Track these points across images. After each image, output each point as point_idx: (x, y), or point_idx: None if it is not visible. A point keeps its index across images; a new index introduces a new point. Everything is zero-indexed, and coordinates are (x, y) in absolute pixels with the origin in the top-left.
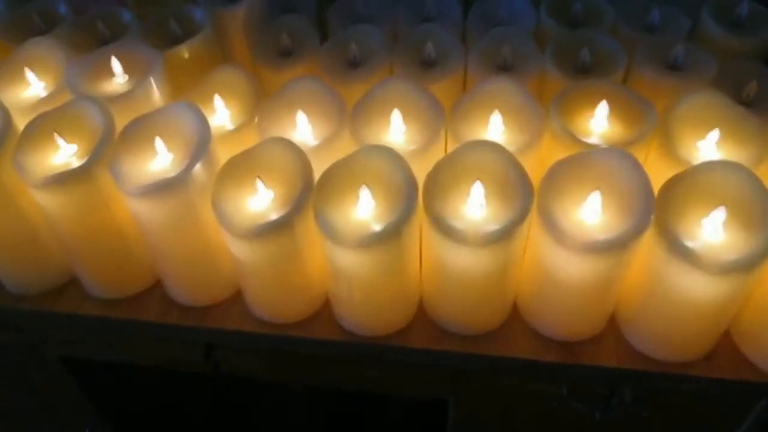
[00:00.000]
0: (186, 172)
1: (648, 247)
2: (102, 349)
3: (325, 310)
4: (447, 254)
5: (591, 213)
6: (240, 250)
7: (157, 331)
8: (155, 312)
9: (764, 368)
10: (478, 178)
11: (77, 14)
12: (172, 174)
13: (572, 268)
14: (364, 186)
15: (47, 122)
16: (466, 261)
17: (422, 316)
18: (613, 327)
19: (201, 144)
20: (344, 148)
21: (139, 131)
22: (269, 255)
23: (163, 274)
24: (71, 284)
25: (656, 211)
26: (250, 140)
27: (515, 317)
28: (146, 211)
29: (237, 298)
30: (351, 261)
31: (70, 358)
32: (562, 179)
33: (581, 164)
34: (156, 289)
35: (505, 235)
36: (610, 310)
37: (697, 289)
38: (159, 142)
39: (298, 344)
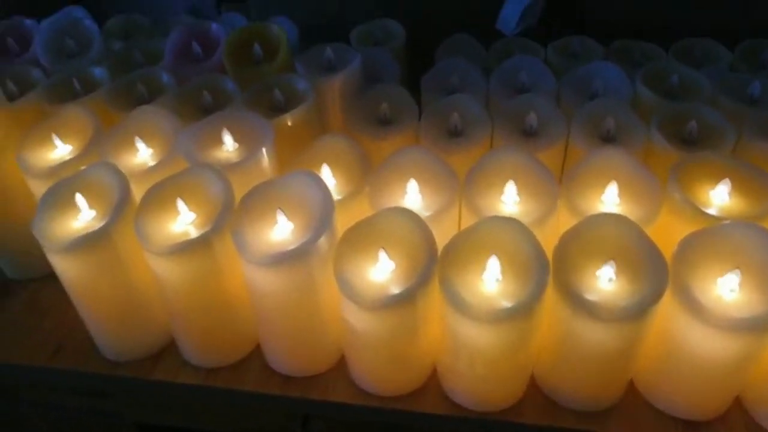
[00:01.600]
0: (310, 244)
1: None
2: (187, 416)
3: (432, 381)
4: (575, 329)
5: (728, 289)
6: (359, 321)
7: (255, 401)
8: (254, 381)
9: None
10: (607, 253)
11: (179, 83)
12: (295, 245)
13: (707, 346)
14: (494, 257)
15: (167, 189)
16: (594, 337)
17: (535, 390)
18: (739, 407)
19: (324, 215)
20: (456, 218)
21: (260, 200)
22: (389, 326)
23: (266, 342)
24: (168, 351)
25: None
26: (359, 209)
27: (633, 393)
28: (265, 281)
29: (340, 367)
30: (477, 335)
31: (149, 425)
32: (695, 253)
33: (715, 238)
34: (255, 357)
35: (639, 313)
36: (739, 390)
37: None
38: (281, 213)
39: (404, 417)
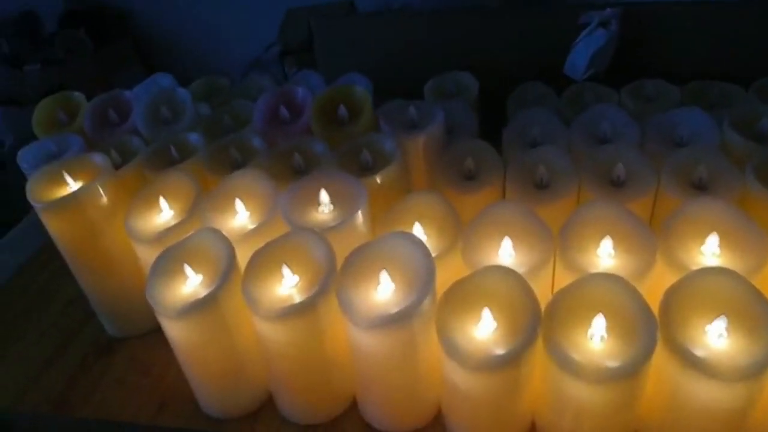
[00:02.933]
0: (415, 306)
1: None
2: None
3: None
4: (689, 388)
5: None
6: (463, 381)
7: None
8: None
9: None
10: (716, 307)
11: (268, 146)
12: (399, 306)
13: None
14: (600, 315)
15: (271, 254)
16: (709, 396)
17: None
18: None
19: (427, 276)
20: (551, 274)
21: (362, 261)
22: (491, 386)
23: (364, 400)
24: (267, 408)
25: None
26: (453, 267)
27: None
28: (369, 342)
29: (437, 424)
30: (584, 393)
31: None
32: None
33: None
34: (353, 413)
35: (758, 369)
36: None
37: None
38: (385, 274)
39: None
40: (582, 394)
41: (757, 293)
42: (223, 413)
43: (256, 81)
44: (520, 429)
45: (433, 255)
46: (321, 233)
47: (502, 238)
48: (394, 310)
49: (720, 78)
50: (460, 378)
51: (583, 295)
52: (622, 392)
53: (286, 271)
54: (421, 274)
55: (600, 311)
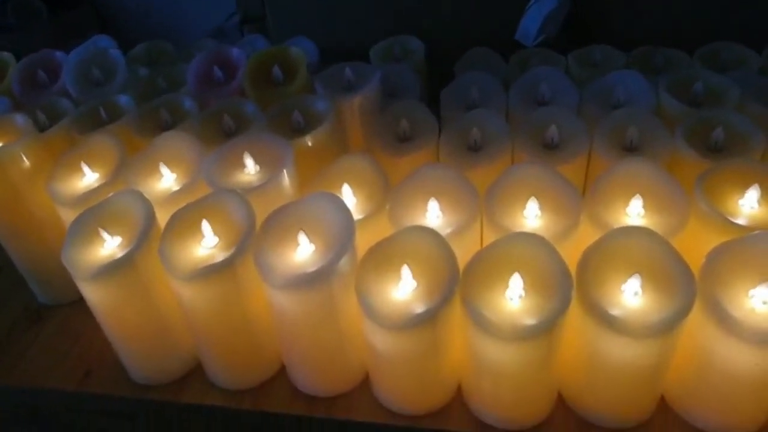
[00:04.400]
0: (331, 265)
1: None
2: None
3: (458, 400)
4: (601, 345)
5: (759, 302)
6: (381, 341)
7: (280, 422)
8: (281, 402)
9: None
10: (632, 266)
11: (202, 107)
12: (317, 266)
13: (739, 360)
14: (516, 274)
15: (190, 215)
16: (621, 353)
17: (563, 408)
18: None
19: (346, 236)
20: (478, 235)
21: (281, 222)
22: (412, 346)
23: (291, 363)
24: (195, 374)
25: None
26: (380, 228)
27: (665, 409)
28: (288, 303)
29: (365, 387)
30: (501, 353)
31: None
32: (724, 265)
33: (744, 249)
34: (281, 378)
35: (668, 327)
36: None
37: None
38: (302, 234)
39: None
40: (499, 353)
41: (673, 252)
42: (149, 379)
43: (202, 45)
44: (446, 391)
45: (360, 217)
46: (243, 194)
47: (428, 200)
48: (311, 269)
49: (669, 45)
50: (380, 339)
51: (503, 254)
52: (538, 350)
53: (206, 230)
54: (340, 235)
55: (518, 270)
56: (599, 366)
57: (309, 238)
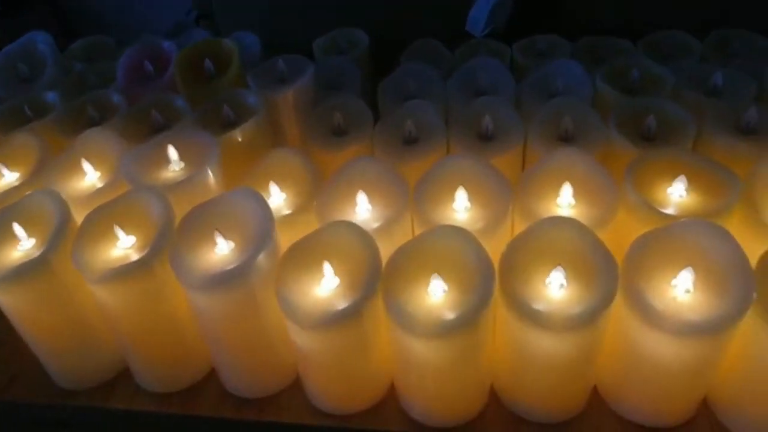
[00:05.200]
0: (248, 263)
1: (746, 327)
2: None
3: (390, 398)
4: (526, 339)
5: (681, 291)
6: (305, 341)
7: (213, 426)
8: (211, 405)
9: None
10: (556, 258)
11: (130, 103)
12: (232, 265)
13: (663, 350)
14: (435, 273)
15: (105, 214)
16: (546, 346)
17: (495, 403)
18: (707, 412)
19: (264, 232)
20: (407, 229)
21: (199, 220)
22: (336, 344)
23: (219, 365)
24: (122, 378)
25: (758, 288)
26: (308, 224)
27: (597, 402)
28: (207, 303)
29: (296, 388)
30: (424, 350)
31: None
32: (648, 255)
33: (667, 238)
34: (211, 380)
35: (589, 318)
36: (704, 393)
37: None
38: (218, 233)
39: None
40: (422, 349)
41: (597, 243)
42: (74, 384)
43: (146, 39)
44: (377, 389)
45: (287, 213)
46: (161, 191)
47: (357, 194)
48: (226, 268)
49: (618, 33)
50: (302, 338)
51: (427, 248)
52: (462, 346)
53: (119, 231)
54: (259, 232)
55: (441, 265)
56: (527, 360)
57: (227, 236)
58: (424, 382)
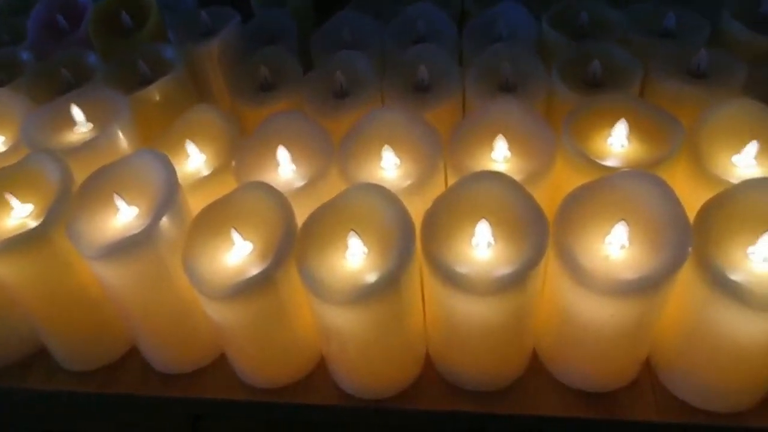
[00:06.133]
0: (150, 229)
1: (685, 283)
2: (68, 421)
3: (321, 370)
4: (452, 303)
5: (616, 248)
6: (216, 312)
7: (135, 404)
8: (133, 383)
9: None
10: (483, 215)
11: (41, 60)
12: (132, 232)
13: (597, 312)
14: (352, 231)
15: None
16: (474, 310)
17: (431, 372)
18: (649, 374)
19: (167, 195)
20: (333, 188)
21: (99, 185)
22: (250, 315)
23: (138, 340)
24: (40, 356)
25: (694, 241)
26: (228, 186)
27: (536, 368)
28: (111, 274)
29: (223, 362)
30: (342, 318)
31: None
32: (581, 210)
33: (601, 191)
34: (133, 356)
35: (518, 280)
36: (645, 355)
37: (746, 328)
38: (118, 197)
39: (292, 411)
40: (339, 316)
41: (528, 199)
42: None
43: None
44: (305, 362)
45: (206, 174)
46: (63, 155)
47: (278, 153)
48: (128, 235)
49: None
50: (213, 309)
51: (344, 209)
52: (382, 311)
53: (12, 199)
54: (162, 195)
55: (360, 226)
56: (456, 326)
57: (132, 201)
58: (347, 352)
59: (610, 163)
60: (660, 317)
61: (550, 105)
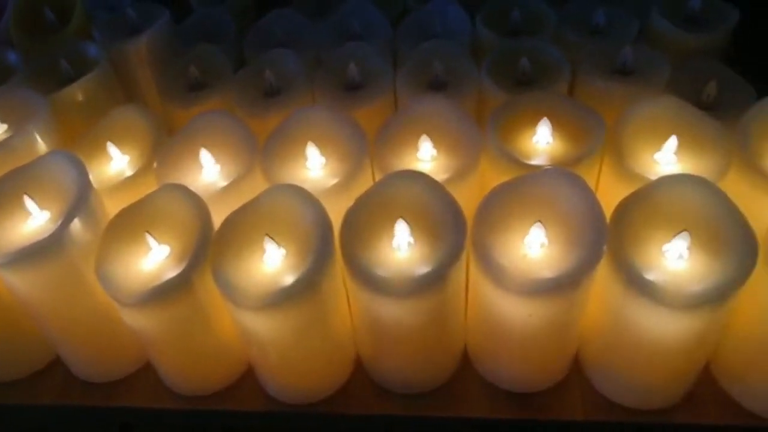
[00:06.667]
0: (59, 233)
1: (604, 281)
2: None
3: (249, 375)
4: (373, 306)
5: (535, 247)
6: (133, 319)
7: (60, 415)
8: (56, 393)
9: (750, 407)
10: (402, 215)
11: None
12: (41, 237)
13: (516, 311)
14: (266, 237)
15: None
16: (395, 312)
17: (362, 375)
18: (578, 372)
19: (78, 198)
20: (257, 188)
21: (9, 188)
22: (166, 322)
23: (58, 348)
24: None
25: (610, 239)
26: (151, 188)
27: (467, 368)
28: (21, 282)
29: (149, 368)
30: (260, 323)
31: None
32: (500, 208)
33: (520, 190)
34: (57, 365)
35: (436, 279)
36: (572, 354)
37: (662, 326)
38: (30, 200)
39: (219, 417)
40: (255, 321)
41: (448, 198)
42: None
43: None
44: (234, 367)
45: (128, 176)
46: None
47: (201, 154)
48: (36, 240)
49: None
50: (127, 316)
51: (262, 210)
52: (301, 317)
53: None
54: (74, 198)
55: (275, 226)
56: (378, 327)
57: (43, 204)
58: (269, 357)
59: (535, 161)
60: (581, 316)
61: (481, 103)
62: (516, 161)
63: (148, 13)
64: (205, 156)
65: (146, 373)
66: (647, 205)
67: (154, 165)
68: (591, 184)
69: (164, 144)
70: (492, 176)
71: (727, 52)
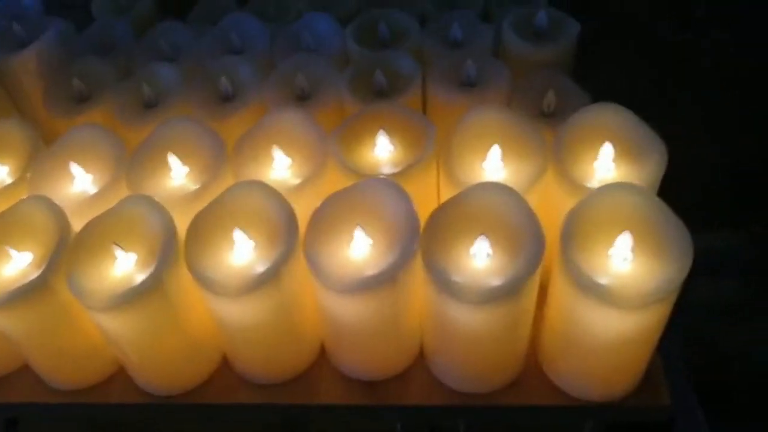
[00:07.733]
0: None
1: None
2: None
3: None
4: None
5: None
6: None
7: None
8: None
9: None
10: (236, 223)
11: None
12: None
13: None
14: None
15: None
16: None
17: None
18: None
19: None
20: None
21: None
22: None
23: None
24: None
25: (422, 242)
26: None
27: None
28: None
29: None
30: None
31: None
32: (328, 219)
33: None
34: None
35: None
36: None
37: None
38: None
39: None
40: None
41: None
42: None
43: None
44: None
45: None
46: None
47: (71, 166)
48: None
49: None
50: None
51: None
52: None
53: None
54: None
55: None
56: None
57: None
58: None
59: (384, 170)
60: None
61: (346, 114)
62: (354, 171)
63: (37, 26)
64: (75, 169)
65: (25, 370)
66: (457, 211)
67: (28, 176)
68: (430, 188)
69: (39, 156)
70: (331, 187)
71: (571, 63)
